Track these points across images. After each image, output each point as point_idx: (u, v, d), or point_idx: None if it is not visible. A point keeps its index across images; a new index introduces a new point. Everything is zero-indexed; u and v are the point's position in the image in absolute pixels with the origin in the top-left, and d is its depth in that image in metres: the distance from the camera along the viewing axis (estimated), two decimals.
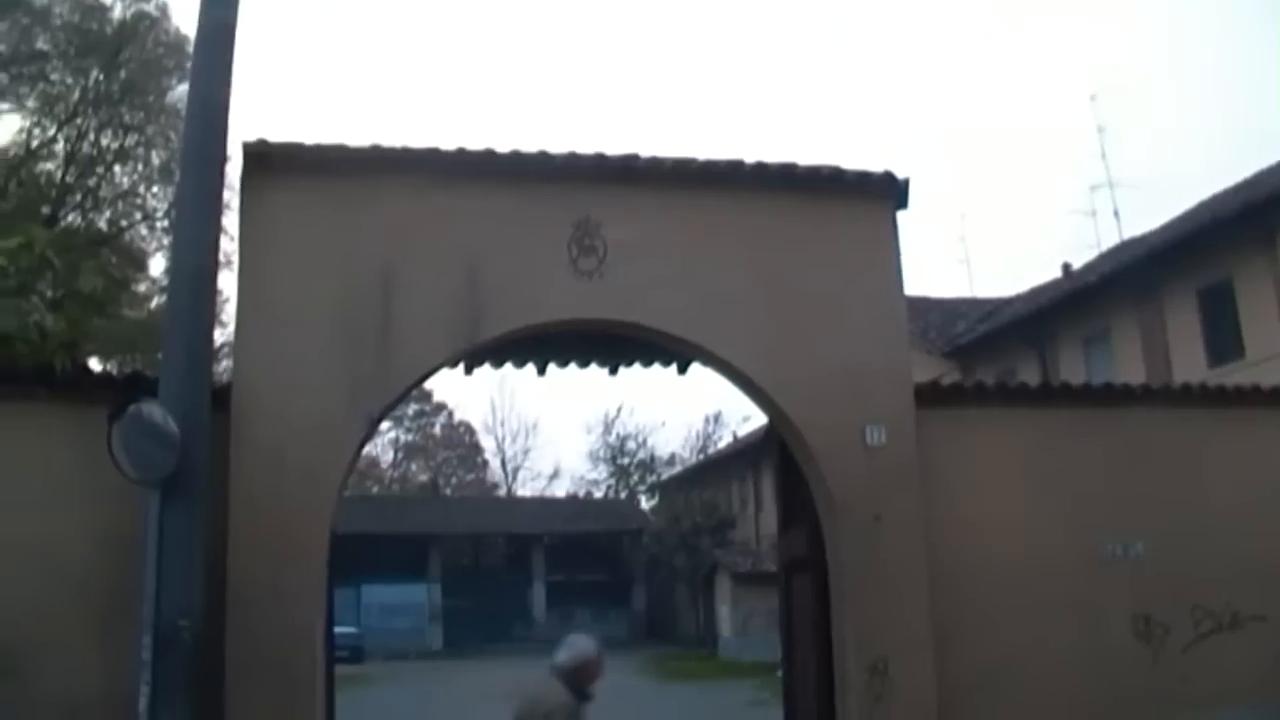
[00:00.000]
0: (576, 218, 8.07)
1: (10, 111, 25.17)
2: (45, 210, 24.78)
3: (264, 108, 53.53)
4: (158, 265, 26.61)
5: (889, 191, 8.61)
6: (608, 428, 51.01)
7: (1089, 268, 23.84)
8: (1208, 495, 8.82)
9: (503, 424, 65.45)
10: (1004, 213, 77.03)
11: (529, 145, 8.09)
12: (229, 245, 10.68)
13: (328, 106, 75.60)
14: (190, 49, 10.05)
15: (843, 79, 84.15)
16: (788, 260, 8.37)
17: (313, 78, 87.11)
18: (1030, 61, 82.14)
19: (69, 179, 26.33)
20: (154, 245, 27.31)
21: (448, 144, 7.97)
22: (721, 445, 48.12)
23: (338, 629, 8.99)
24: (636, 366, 9.69)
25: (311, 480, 7.39)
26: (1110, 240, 27.09)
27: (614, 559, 48.76)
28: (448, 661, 37.13)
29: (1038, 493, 8.62)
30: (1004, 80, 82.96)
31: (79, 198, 26.72)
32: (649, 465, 50.99)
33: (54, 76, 25.73)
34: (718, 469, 45.24)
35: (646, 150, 8.27)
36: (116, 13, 25.76)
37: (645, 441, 50.94)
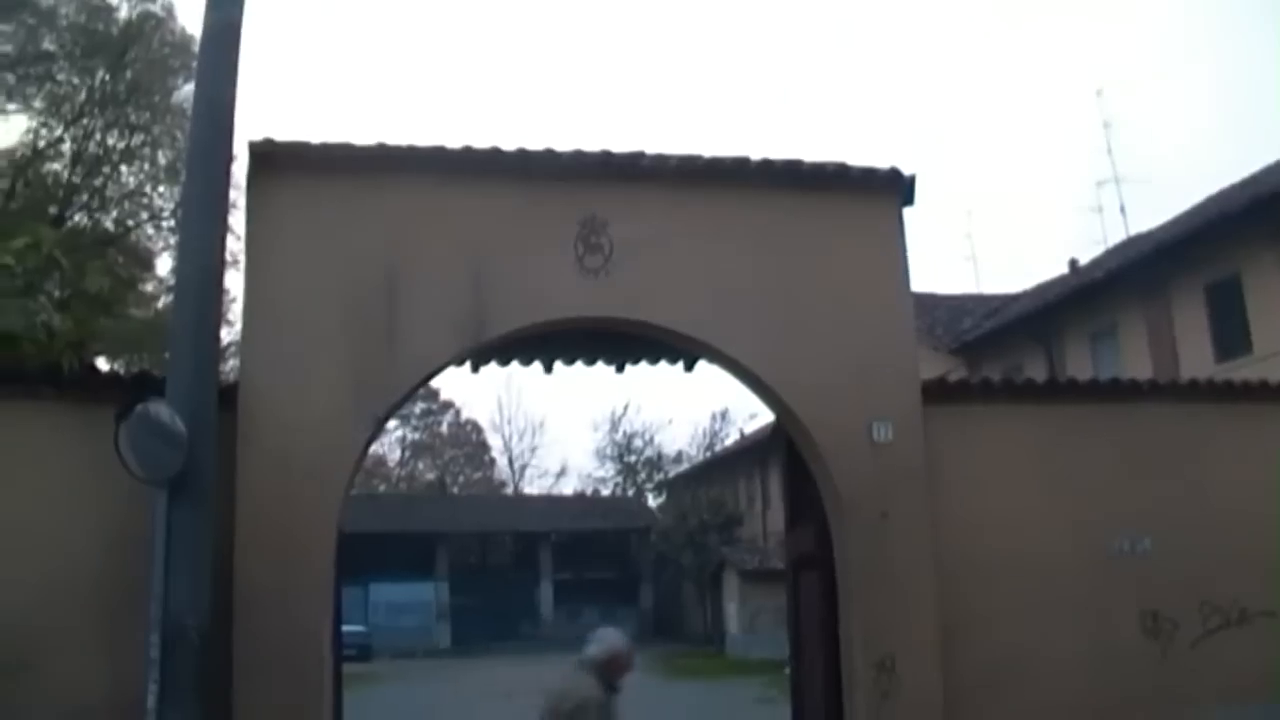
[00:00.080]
0: (582, 215, 8.06)
1: (17, 112, 25.25)
2: (52, 210, 24.85)
3: (270, 106, 53.66)
4: (164, 265, 26.70)
5: (895, 188, 8.60)
6: (614, 425, 50.93)
7: (1096, 264, 23.77)
8: (1215, 491, 8.79)
9: (510, 422, 65.61)
10: (1011, 209, 76.93)
11: (535, 143, 8.09)
12: (235, 245, 10.69)
13: (333, 105, 75.81)
14: (196, 49, 10.07)
15: (848, 76, 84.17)
16: (794, 257, 8.36)
17: (318, 76, 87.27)
18: (1036, 57, 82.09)
19: (76, 179, 26.39)
20: (160, 245, 27.41)
21: (453, 142, 7.97)
22: (728, 443, 48.07)
23: (345, 627, 9.00)
24: (643, 364, 9.69)
25: (318, 479, 7.39)
26: (1117, 236, 27.04)
27: (621, 557, 48.81)
28: (455, 660, 37.22)
29: (1045, 489, 8.60)
30: (1010, 76, 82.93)
31: (86, 198, 26.78)
32: (656, 463, 50.90)
33: (60, 77, 25.79)
34: (725, 466, 45.21)
35: (652, 148, 8.28)
36: (122, 13, 25.85)
37: (652, 439, 50.84)
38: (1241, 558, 8.63)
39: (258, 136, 7.70)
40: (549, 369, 9.81)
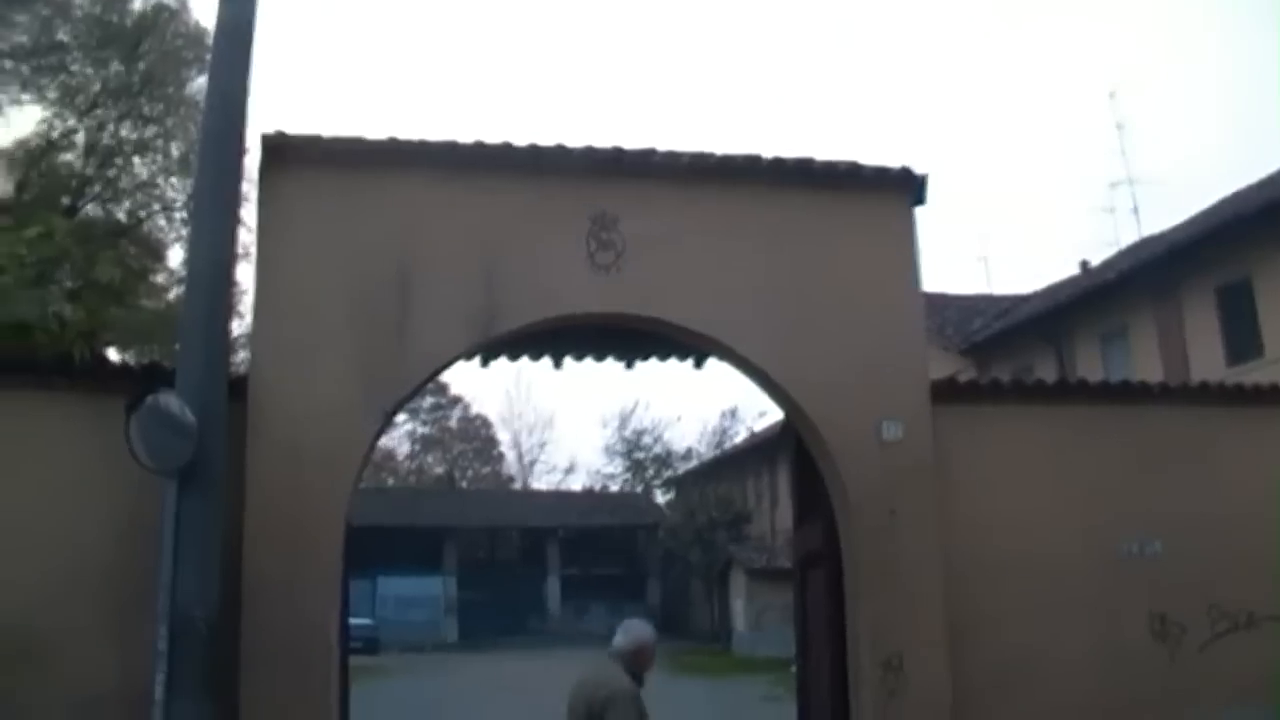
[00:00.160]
0: (594, 211, 8.06)
1: (31, 103, 25.26)
2: (65, 201, 24.89)
3: (282, 100, 53.73)
4: (176, 256, 26.68)
5: (907, 187, 8.58)
6: (623, 422, 50.86)
7: (1107, 265, 23.71)
8: (1225, 494, 8.75)
9: (519, 417, 65.46)
10: (1023, 209, 76.70)
11: (546, 139, 8.07)
12: (247, 237, 10.73)
13: (346, 99, 75.81)
14: (209, 41, 10.07)
15: (862, 75, 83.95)
16: (805, 255, 8.35)
17: (331, 70, 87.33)
18: (1049, 58, 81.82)
19: (89, 170, 26.42)
20: (172, 236, 27.37)
21: (465, 137, 7.98)
22: (737, 440, 47.97)
23: (353, 620, 9.02)
24: (653, 361, 9.70)
25: (327, 471, 7.41)
26: (1129, 237, 27.03)
27: (629, 553, 48.81)
28: (463, 654, 37.30)
29: (1054, 490, 8.58)
30: (1024, 77, 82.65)
31: (98, 189, 26.80)
32: (665, 460, 50.79)
33: (74, 68, 25.80)
34: (733, 464, 45.15)
35: (664, 145, 8.27)
36: (136, 5, 25.82)
37: (661, 436, 50.75)
38: (1250, 562, 8.59)
39: (270, 129, 7.71)
40: (559, 365, 9.83)
